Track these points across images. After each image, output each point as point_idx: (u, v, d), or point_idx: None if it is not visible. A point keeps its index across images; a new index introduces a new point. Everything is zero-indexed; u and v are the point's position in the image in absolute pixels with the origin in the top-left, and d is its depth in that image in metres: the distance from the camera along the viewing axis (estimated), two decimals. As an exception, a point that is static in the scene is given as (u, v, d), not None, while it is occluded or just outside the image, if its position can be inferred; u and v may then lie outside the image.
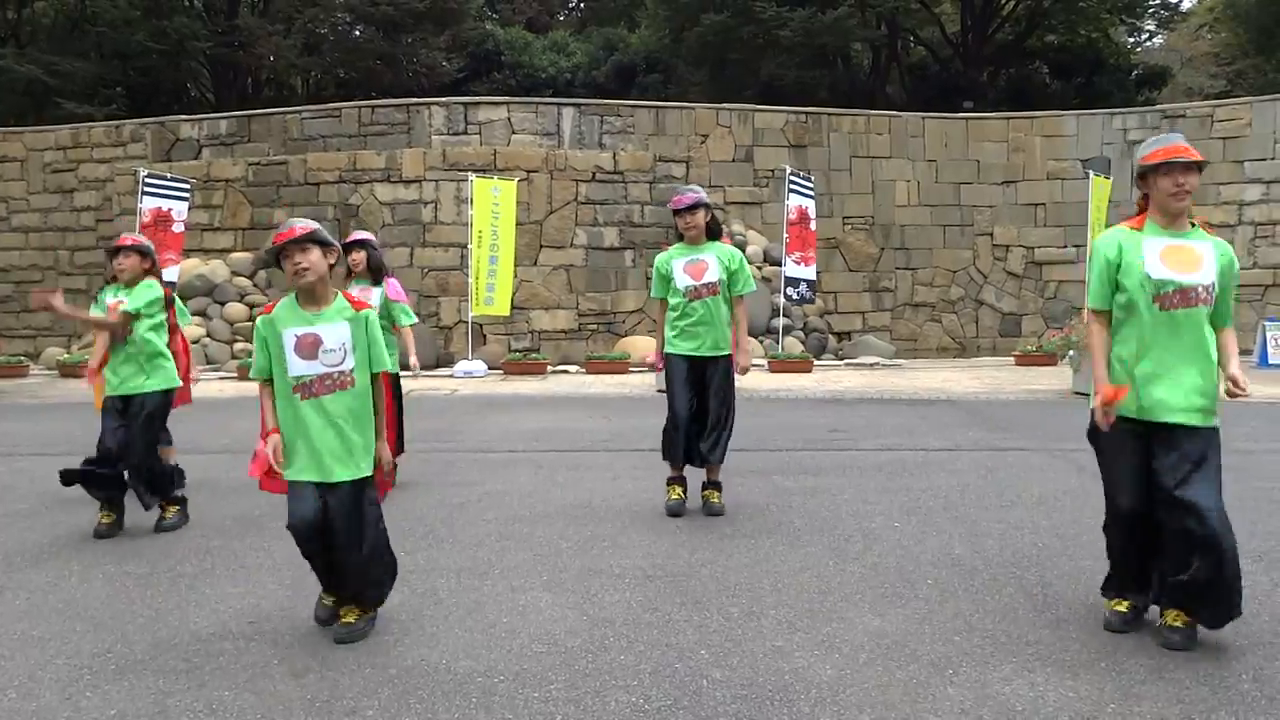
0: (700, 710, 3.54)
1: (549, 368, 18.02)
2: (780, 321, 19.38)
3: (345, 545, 4.23)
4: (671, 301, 6.59)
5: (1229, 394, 4.15)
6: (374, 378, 4.35)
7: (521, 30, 35.66)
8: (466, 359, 17.94)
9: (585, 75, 32.45)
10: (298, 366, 4.20)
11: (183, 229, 18.35)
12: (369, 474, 4.32)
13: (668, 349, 6.63)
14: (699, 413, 6.57)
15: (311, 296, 4.26)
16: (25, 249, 23.01)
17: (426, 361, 18.12)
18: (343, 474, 4.21)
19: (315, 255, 4.18)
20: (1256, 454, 8.86)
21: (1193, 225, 4.27)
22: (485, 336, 19.26)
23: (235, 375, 16.73)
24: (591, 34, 36.54)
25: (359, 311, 4.32)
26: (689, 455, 6.60)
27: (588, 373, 17.61)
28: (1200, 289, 4.11)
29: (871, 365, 18.88)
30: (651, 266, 6.86)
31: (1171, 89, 35.46)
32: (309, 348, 4.21)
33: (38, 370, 19.01)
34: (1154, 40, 40.97)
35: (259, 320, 4.33)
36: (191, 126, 22.89)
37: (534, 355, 18.51)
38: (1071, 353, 14.20)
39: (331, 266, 4.29)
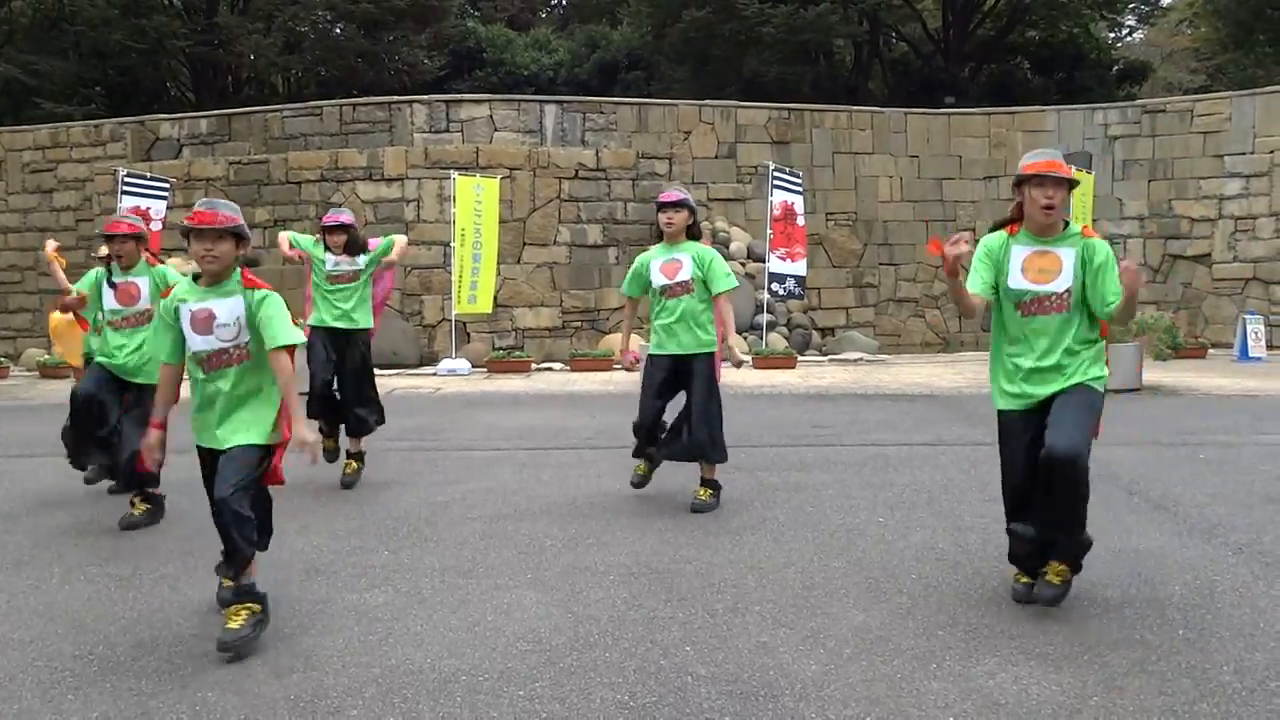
0: (685, 707, 3.54)
1: (533, 366, 17.99)
2: (764, 318, 19.40)
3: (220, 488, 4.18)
4: (651, 300, 6.67)
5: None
6: (276, 353, 4.26)
7: (503, 28, 35.59)
8: (450, 357, 17.90)
9: (567, 73, 32.40)
10: (202, 341, 4.29)
11: (160, 228, 18.24)
12: (266, 444, 4.33)
13: (650, 350, 6.70)
14: (685, 411, 6.63)
15: (214, 279, 4.34)
16: (4, 249, 22.83)
17: (409, 360, 18.13)
18: (237, 442, 4.27)
19: (226, 247, 4.25)
20: (1237, 446, 8.92)
21: (1066, 225, 4.48)
22: (469, 335, 19.22)
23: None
24: (574, 31, 36.50)
25: (254, 290, 4.32)
26: (653, 445, 6.72)
27: (572, 370, 17.59)
28: (1054, 296, 4.40)
29: (855, 361, 18.91)
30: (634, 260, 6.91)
31: (1152, 84, 35.65)
32: (203, 323, 4.28)
33: (18, 372, 18.89)
34: (1134, 35, 41.23)
35: (162, 302, 4.45)
36: (171, 126, 22.75)
37: (518, 353, 18.48)
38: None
39: (238, 257, 4.34)
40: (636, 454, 6.83)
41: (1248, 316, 18.91)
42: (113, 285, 6.48)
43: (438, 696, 3.66)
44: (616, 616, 4.48)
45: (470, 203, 17.86)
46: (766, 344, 18.96)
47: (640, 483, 6.82)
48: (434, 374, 17.18)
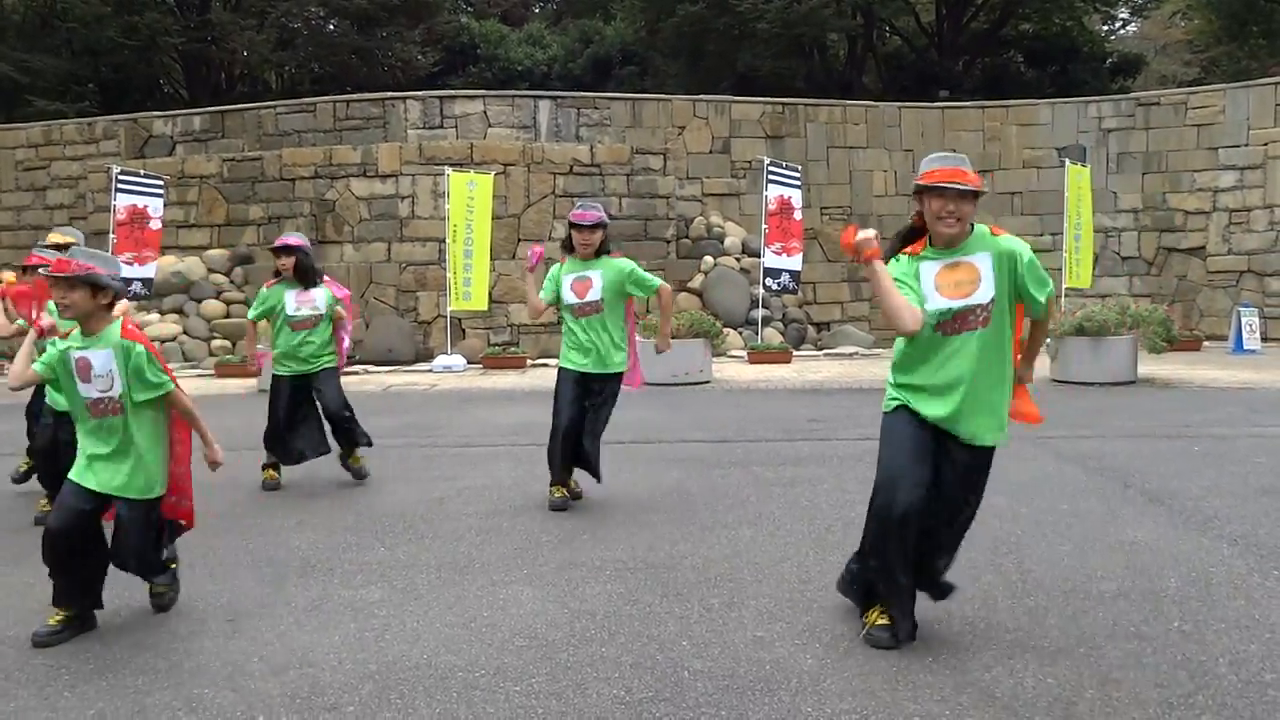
0: (682, 701, 3.55)
1: (528, 361, 17.98)
2: (759, 313, 19.38)
3: (118, 555, 4.49)
4: (562, 314, 6.66)
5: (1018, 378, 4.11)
6: (159, 401, 4.44)
7: (497, 23, 35.51)
8: (445, 353, 17.87)
9: (561, 68, 32.35)
10: (83, 388, 4.38)
11: (159, 226, 18.22)
12: (150, 497, 4.47)
13: (560, 361, 6.67)
14: (578, 424, 6.56)
15: (86, 327, 4.40)
16: (-2, 248, 22.81)
17: (405, 356, 18.11)
18: (118, 490, 4.38)
19: (78, 296, 4.29)
20: (1232, 439, 8.93)
21: (971, 229, 4.01)
22: (464, 331, 19.20)
23: (213, 372, 16.62)
24: (567, 26, 36.43)
25: (126, 341, 4.37)
26: (574, 459, 6.64)
27: (567, 366, 17.56)
28: (979, 309, 3.93)
29: (850, 355, 18.91)
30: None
31: (1145, 77, 35.65)
32: (83, 371, 4.36)
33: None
34: (1128, 28, 41.23)
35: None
36: (165, 123, 22.71)
37: (513, 349, 18.47)
38: (1048, 340, 14.26)
39: (104, 305, 4.39)
40: (551, 469, 6.63)
41: (1242, 309, 18.93)
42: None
43: (434, 692, 3.66)
44: (613, 612, 4.49)
45: (463, 199, 17.84)
46: (762, 339, 18.95)
47: (562, 505, 6.56)
48: (429, 370, 17.17)
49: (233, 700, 3.63)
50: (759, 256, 19.39)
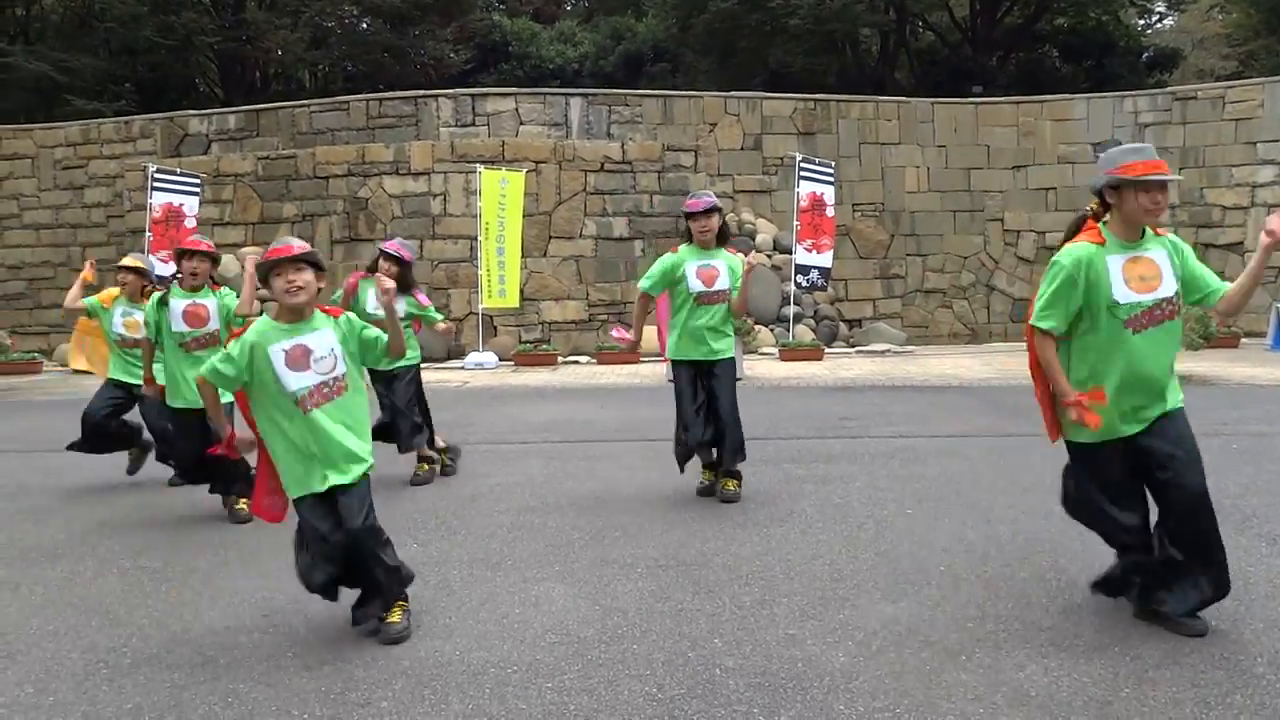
0: (713, 699, 3.54)
1: (560, 359, 18.03)
2: (791, 309, 19.34)
3: (360, 536, 4.17)
4: (677, 303, 6.60)
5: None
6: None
7: (528, 21, 35.60)
8: (477, 351, 17.95)
9: (593, 65, 32.39)
10: (292, 381, 4.14)
11: (194, 224, 18.39)
12: (371, 465, 4.31)
13: (673, 354, 6.67)
14: (711, 415, 6.61)
15: (298, 314, 4.23)
16: (37, 246, 23.08)
17: (437, 354, 18.19)
18: (356, 472, 4.20)
19: (309, 275, 4.17)
20: (1270, 436, 8.82)
21: (1142, 232, 4.07)
22: (496, 328, 19.27)
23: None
24: (599, 24, 36.46)
25: (338, 318, 4.32)
26: (704, 447, 6.68)
27: (598, 364, 17.61)
28: (1165, 303, 4.01)
29: (883, 352, 18.84)
30: (660, 255, 6.85)
31: (1183, 71, 35.24)
32: (300, 359, 4.16)
33: (51, 367, 19.10)
34: (1165, 22, 40.74)
35: (233, 343, 4.23)
36: (200, 121, 22.92)
37: (545, 346, 18.52)
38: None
39: (319, 290, 4.25)
40: (681, 465, 6.82)
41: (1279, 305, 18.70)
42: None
43: (466, 688, 3.68)
44: (644, 609, 4.49)
45: (495, 196, 17.90)
46: (794, 336, 18.90)
47: (709, 489, 6.78)
48: (461, 368, 17.24)
49: (268, 695, 3.66)
50: (790, 253, 19.35)
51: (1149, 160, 3.95)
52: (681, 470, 6.83)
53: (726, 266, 6.54)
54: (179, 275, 6.56)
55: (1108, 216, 4.10)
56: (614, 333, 7.03)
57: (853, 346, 19.99)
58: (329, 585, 4.24)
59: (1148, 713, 3.36)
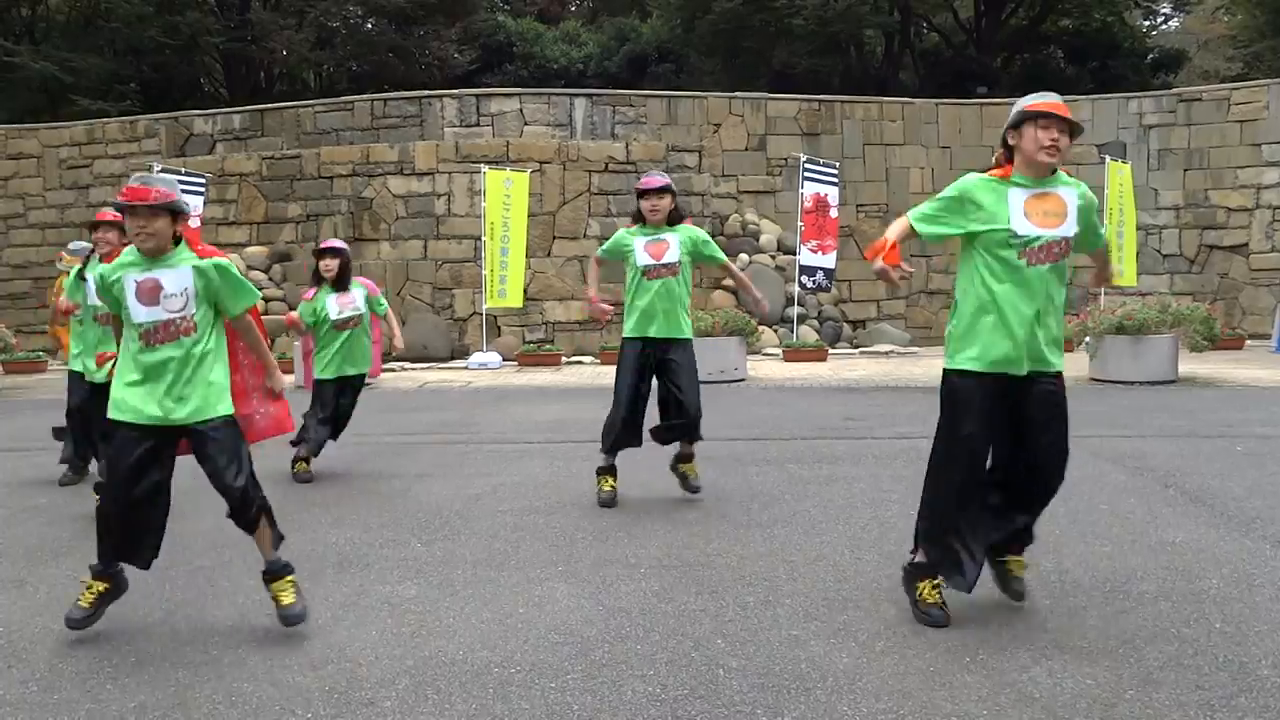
0: (717, 699, 3.54)
1: (563, 359, 18.03)
2: (795, 310, 19.34)
3: (224, 471, 4.17)
4: (628, 280, 6.56)
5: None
6: (240, 316, 4.42)
7: (533, 21, 35.62)
8: (481, 351, 17.96)
9: (597, 66, 32.40)
10: (147, 312, 4.18)
11: (199, 223, 18.41)
12: (227, 414, 4.28)
13: (626, 333, 6.54)
14: (667, 396, 6.54)
15: (153, 253, 4.23)
16: (42, 245, 23.09)
17: (441, 354, 18.22)
18: (192, 416, 4.18)
19: (161, 223, 4.17)
20: (1275, 439, 8.81)
21: (1053, 172, 4.22)
22: (499, 328, 19.28)
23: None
24: (603, 24, 36.49)
25: (205, 259, 4.29)
26: (626, 442, 6.61)
27: (602, 364, 17.61)
28: (1063, 241, 4.14)
29: (887, 353, 18.83)
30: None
31: (1188, 72, 35.20)
32: (150, 293, 4.19)
33: (56, 366, 19.11)
34: (1170, 23, 40.68)
35: (101, 269, 4.34)
36: (205, 121, 22.95)
37: (548, 347, 18.52)
38: (1088, 339, 14.13)
39: (176, 235, 4.25)
40: (605, 447, 6.63)
41: (1285, 307, 18.67)
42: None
43: (470, 688, 3.68)
44: (648, 609, 4.49)
45: (499, 197, 17.91)
46: (797, 336, 18.90)
47: (610, 501, 6.54)
48: (465, 368, 17.26)
49: (272, 694, 3.66)
50: (794, 254, 19.35)
51: (1051, 101, 4.15)
52: (603, 448, 6.66)
53: (679, 239, 6.46)
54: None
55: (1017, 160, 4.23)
56: (591, 307, 6.97)
57: (857, 347, 19.98)
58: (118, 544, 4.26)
59: (1152, 715, 3.36)
